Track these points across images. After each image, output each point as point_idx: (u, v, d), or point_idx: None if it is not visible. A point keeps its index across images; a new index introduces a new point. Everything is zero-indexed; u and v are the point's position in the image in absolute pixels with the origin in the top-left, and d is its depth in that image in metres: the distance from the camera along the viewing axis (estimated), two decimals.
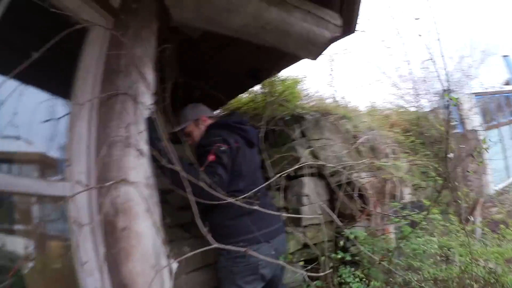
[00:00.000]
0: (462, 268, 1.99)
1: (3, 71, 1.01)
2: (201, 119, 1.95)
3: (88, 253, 1.16)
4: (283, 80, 3.48)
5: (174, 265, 1.34)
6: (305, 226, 2.43)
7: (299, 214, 2.41)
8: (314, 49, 1.91)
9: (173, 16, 1.64)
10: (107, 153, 1.24)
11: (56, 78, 1.28)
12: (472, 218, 3.58)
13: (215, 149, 1.64)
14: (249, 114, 3.09)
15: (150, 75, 1.47)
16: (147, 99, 1.41)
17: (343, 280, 2.19)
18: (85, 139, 1.25)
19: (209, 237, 1.25)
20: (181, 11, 1.64)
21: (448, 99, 1.58)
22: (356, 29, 1.99)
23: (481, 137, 3.35)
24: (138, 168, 1.28)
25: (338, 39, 2.02)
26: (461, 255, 2.16)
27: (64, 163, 1.20)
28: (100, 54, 1.36)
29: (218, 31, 1.78)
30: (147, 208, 1.28)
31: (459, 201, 3.26)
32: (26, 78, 1.22)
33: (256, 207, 1.40)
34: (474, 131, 5.78)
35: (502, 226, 2.81)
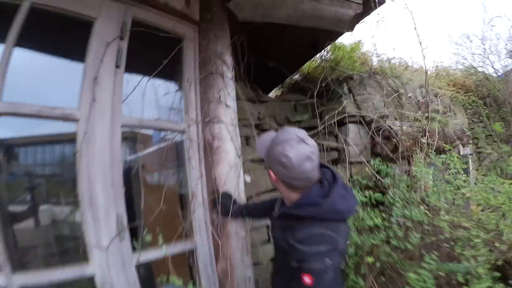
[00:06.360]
0: None
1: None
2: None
3: (196, 160, 2.09)
4: (341, 47, 4.14)
5: (247, 177, 2.17)
6: (351, 163, 3.07)
7: (345, 153, 3.05)
8: (342, 24, 2.54)
9: (238, 17, 2.46)
10: (207, 107, 2.14)
11: (172, 71, 2.22)
12: None
13: None
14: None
15: (229, 59, 2.31)
16: (229, 74, 2.26)
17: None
18: (194, 101, 2.17)
19: None
20: (242, 13, 2.44)
21: None
22: (377, 4, 2.54)
23: None
24: (226, 114, 2.15)
25: (364, 15, 2.61)
26: None
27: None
28: (195, 52, 2.25)
29: (273, 22, 2.54)
30: (231, 137, 2.15)
31: None
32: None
33: None
34: None
35: None
